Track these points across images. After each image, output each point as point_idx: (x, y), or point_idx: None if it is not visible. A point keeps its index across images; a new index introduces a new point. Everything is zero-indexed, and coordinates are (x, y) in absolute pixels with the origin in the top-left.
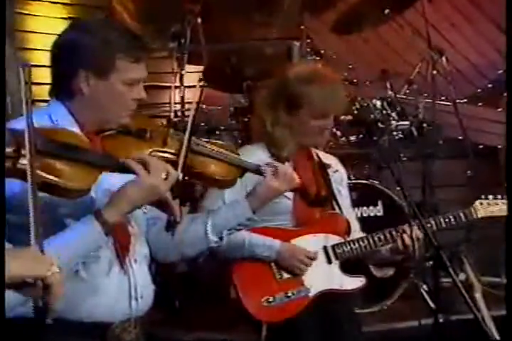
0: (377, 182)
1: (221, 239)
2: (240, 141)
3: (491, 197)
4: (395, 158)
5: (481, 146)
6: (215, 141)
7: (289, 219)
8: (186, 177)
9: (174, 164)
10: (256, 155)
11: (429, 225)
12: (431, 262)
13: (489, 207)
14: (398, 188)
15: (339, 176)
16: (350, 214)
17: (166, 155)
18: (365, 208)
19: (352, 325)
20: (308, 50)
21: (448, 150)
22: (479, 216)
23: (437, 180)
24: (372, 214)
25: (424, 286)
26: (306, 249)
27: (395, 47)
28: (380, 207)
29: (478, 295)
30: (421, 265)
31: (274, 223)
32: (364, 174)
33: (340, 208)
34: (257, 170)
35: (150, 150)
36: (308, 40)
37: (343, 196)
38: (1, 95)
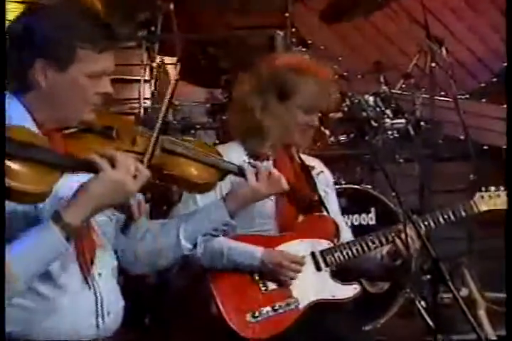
0: (369, 186)
1: (195, 246)
2: (217, 141)
3: (492, 188)
4: (389, 160)
5: (485, 147)
6: (193, 139)
7: (272, 224)
8: (157, 181)
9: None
10: (231, 154)
11: (426, 223)
12: (429, 275)
13: (491, 199)
14: (393, 194)
15: (324, 178)
16: (339, 219)
17: (135, 155)
18: (356, 216)
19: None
20: (294, 40)
21: (448, 151)
22: (481, 209)
23: (437, 184)
24: (364, 223)
25: (422, 302)
26: (292, 254)
27: (390, 37)
28: (372, 214)
29: (481, 313)
30: (418, 278)
31: (256, 229)
32: (355, 178)
33: (328, 212)
34: (241, 173)
35: (118, 150)
36: (294, 29)
37: (331, 200)
38: (1, 95)
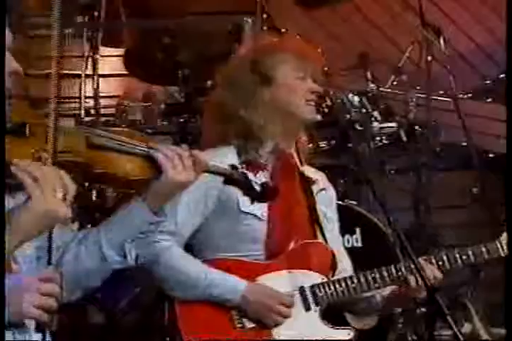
0: (354, 202)
1: (125, 255)
2: None
3: None
4: (377, 171)
5: (490, 155)
6: (121, 129)
7: (260, 249)
8: (86, 183)
9: (68, 166)
10: (226, 159)
11: (440, 263)
12: (424, 308)
13: None
14: (382, 211)
15: (327, 196)
16: (338, 247)
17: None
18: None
19: None
20: (265, 28)
21: (448, 161)
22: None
23: (434, 199)
24: (347, 245)
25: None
26: (281, 293)
27: (379, 26)
28: (357, 235)
29: None
30: (411, 312)
31: (241, 253)
32: (337, 192)
33: (324, 238)
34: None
35: (32, 150)
36: (265, 15)
37: (330, 223)
38: (1, 95)
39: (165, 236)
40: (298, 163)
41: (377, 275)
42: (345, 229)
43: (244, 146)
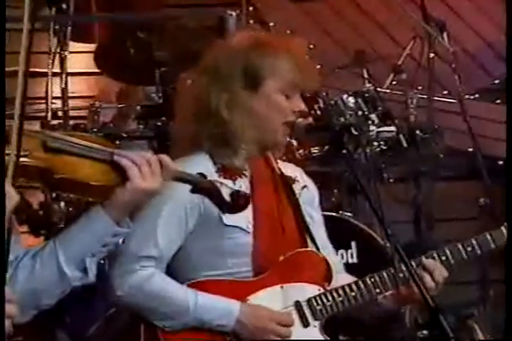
0: (349, 214)
1: (86, 271)
2: None
3: None
4: (375, 179)
5: (500, 162)
6: (79, 133)
7: (247, 264)
8: (46, 189)
9: (24, 169)
10: (195, 170)
11: (444, 258)
12: (425, 331)
13: None
14: (380, 223)
15: (309, 194)
16: (328, 249)
17: (7, 158)
18: None
19: None
20: (251, 22)
21: (452, 168)
22: None
23: (437, 210)
24: (342, 261)
25: None
26: (278, 312)
27: (376, 20)
28: (353, 250)
29: None
30: (412, 335)
31: (227, 271)
32: (331, 202)
33: (315, 243)
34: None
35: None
36: (251, 8)
37: (316, 223)
38: (1, 95)
39: (145, 262)
40: (275, 165)
41: (378, 280)
42: (340, 243)
43: (218, 151)
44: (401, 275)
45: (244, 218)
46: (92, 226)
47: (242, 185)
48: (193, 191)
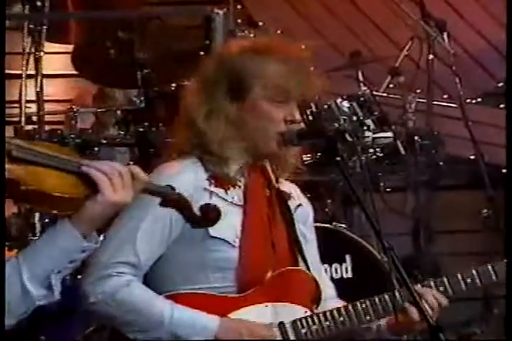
0: (343, 225)
1: (51, 288)
2: (131, 162)
3: None
4: (371, 189)
5: (503, 170)
6: (48, 143)
7: (232, 279)
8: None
9: None
10: (185, 176)
11: (442, 288)
12: None
13: None
14: (376, 235)
15: (303, 213)
16: (319, 271)
17: None
18: (326, 266)
19: None
20: (239, 21)
21: (453, 177)
22: None
23: (437, 222)
24: (336, 276)
25: None
26: (260, 325)
27: (372, 19)
28: (348, 264)
29: None
30: None
31: (210, 285)
32: (324, 214)
33: (306, 263)
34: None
35: None
36: (239, 6)
37: (309, 243)
38: (1, 94)
39: (122, 268)
40: (273, 177)
41: (369, 306)
42: (334, 257)
43: (207, 159)
44: (394, 303)
45: (231, 231)
46: (60, 241)
47: (235, 195)
48: (161, 204)
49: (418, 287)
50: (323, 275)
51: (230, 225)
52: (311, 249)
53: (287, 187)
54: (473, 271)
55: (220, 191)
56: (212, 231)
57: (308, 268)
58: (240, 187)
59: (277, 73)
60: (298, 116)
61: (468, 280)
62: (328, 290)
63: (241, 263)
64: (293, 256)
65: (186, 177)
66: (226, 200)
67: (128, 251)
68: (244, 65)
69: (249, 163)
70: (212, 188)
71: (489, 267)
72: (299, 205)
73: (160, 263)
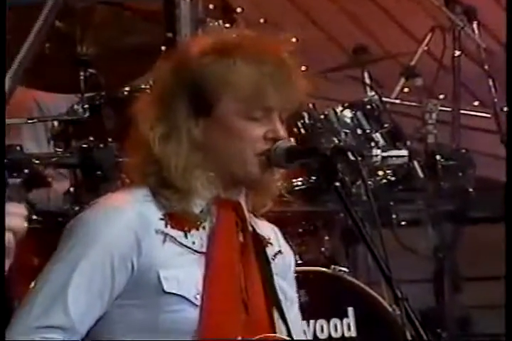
0: (345, 269)
1: None
2: (71, 189)
3: None
4: (380, 222)
5: None
6: None
7: None
8: None
9: None
10: (140, 207)
11: None
12: None
13: None
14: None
15: (283, 263)
16: (299, 334)
17: None
18: (323, 321)
19: None
20: (211, 7)
21: (486, 207)
22: None
23: (465, 264)
24: (336, 335)
25: None
26: None
27: (382, 5)
28: (350, 319)
29: None
30: None
31: None
32: (320, 254)
33: (288, 328)
34: None
35: None
36: None
37: (289, 302)
38: (1, 95)
39: (51, 334)
40: (247, 215)
41: None
42: (333, 310)
43: (163, 192)
44: None
45: (191, 285)
46: None
47: (196, 240)
48: None
49: None
50: None
51: (189, 278)
52: (291, 309)
53: (265, 229)
54: None
55: (179, 234)
56: (167, 284)
57: (289, 334)
58: (204, 228)
59: (250, 79)
60: (282, 133)
61: None
62: None
63: (202, 326)
64: (270, 319)
65: (130, 214)
66: (185, 246)
67: (57, 312)
68: (206, 70)
69: (219, 197)
70: (168, 230)
71: None
72: (278, 252)
73: (104, 325)
